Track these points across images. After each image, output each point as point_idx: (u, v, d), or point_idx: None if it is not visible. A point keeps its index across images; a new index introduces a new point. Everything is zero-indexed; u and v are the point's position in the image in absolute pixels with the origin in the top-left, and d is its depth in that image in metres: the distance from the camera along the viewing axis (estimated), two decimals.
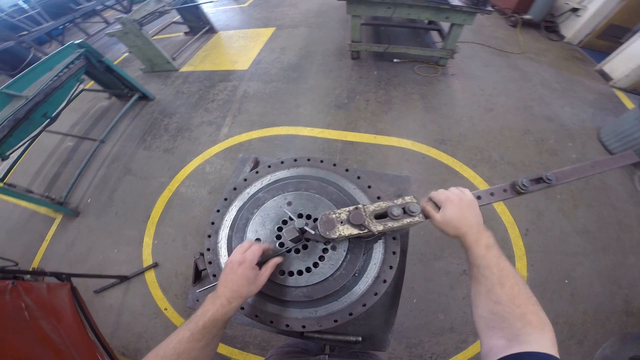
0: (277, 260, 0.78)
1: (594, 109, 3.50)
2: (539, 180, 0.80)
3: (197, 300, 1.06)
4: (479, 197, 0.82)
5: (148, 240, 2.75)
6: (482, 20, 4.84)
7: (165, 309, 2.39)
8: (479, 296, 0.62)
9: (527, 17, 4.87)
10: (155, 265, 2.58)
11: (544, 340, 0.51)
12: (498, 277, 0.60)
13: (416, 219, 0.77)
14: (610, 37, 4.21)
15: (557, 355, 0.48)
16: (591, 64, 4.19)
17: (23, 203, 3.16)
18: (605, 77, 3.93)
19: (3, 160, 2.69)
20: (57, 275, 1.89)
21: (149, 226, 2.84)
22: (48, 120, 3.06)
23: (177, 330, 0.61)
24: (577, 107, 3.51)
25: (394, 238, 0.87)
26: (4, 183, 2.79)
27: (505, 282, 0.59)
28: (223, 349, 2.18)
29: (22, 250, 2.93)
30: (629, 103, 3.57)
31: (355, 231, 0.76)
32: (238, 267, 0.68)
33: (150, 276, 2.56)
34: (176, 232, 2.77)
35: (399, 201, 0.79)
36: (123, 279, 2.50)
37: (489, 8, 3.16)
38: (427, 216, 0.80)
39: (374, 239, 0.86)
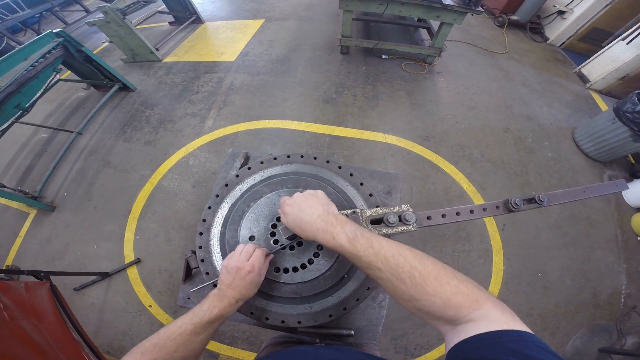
0: (270, 257, 0.81)
1: (570, 109, 3.65)
2: (531, 200, 0.81)
3: (189, 299, 1.05)
4: (471, 211, 0.80)
5: (129, 236, 2.66)
6: (470, 20, 4.92)
7: (150, 306, 2.33)
8: (394, 297, 0.55)
9: (514, 17, 4.98)
10: (137, 262, 2.51)
11: (488, 315, 0.44)
12: (390, 272, 0.52)
13: (410, 227, 0.77)
14: (591, 40, 4.38)
15: (511, 320, 0.43)
16: (571, 66, 4.35)
17: None
18: (583, 79, 4.09)
19: None
20: (35, 274, 1.79)
21: (130, 221, 2.74)
22: (21, 111, 2.89)
23: (177, 322, 0.62)
24: (555, 107, 3.65)
25: None
26: None
27: (401, 274, 0.51)
28: (212, 345, 2.15)
29: None
30: (603, 105, 3.74)
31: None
32: (247, 275, 0.70)
33: (133, 273, 2.48)
34: (159, 227, 2.69)
35: (396, 209, 0.79)
36: (104, 275, 2.41)
37: (480, 8, 3.21)
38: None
39: None
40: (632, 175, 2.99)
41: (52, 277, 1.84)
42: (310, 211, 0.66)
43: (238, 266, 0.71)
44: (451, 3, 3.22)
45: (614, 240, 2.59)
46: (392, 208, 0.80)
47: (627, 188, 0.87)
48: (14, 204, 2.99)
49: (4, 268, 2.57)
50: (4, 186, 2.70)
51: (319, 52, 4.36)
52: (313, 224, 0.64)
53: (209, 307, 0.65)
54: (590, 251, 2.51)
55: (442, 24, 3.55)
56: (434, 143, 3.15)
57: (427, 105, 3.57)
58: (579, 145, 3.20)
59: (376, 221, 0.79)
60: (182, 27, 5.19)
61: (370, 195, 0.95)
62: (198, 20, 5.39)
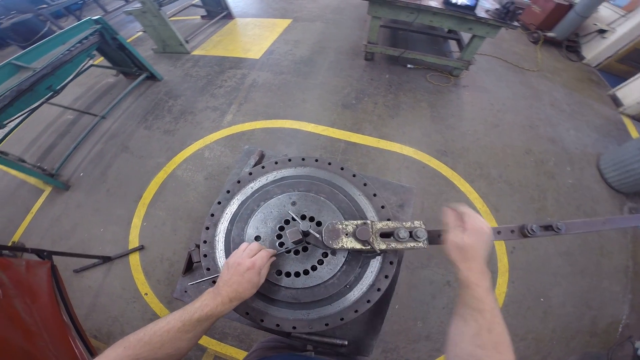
0: (273, 259, 0.79)
1: (598, 134, 3.45)
2: (548, 227, 0.78)
3: (186, 292, 1.03)
4: None
5: (137, 222, 2.70)
6: (502, 35, 4.74)
7: (146, 294, 2.34)
8: (462, 337, 0.58)
9: (550, 34, 4.79)
10: (141, 248, 2.53)
11: None
12: (489, 323, 0.57)
13: (420, 244, 0.75)
14: (631, 61, 4.14)
15: None
16: (605, 88, 4.13)
17: (13, 172, 3.08)
18: (617, 102, 3.86)
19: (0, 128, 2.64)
20: (38, 253, 1.83)
21: (139, 207, 2.78)
22: (52, 92, 3.01)
23: (166, 317, 0.60)
24: (582, 131, 3.46)
25: (391, 262, 0.85)
26: None
27: (494, 328, 0.56)
28: (201, 339, 2.13)
29: (4, 222, 2.87)
30: (634, 132, 3.51)
31: (358, 246, 0.76)
32: (246, 272, 0.68)
33: (135, 259, 2.50)
34: (167, 215, 2.72)
35: (408, 224, 0.78)
36: (106, 259, 2.44)
37: (515, 23, 3.09)
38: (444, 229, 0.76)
39: (372, 256, 0.84)
40: None
41: (54, 257, 1.87)
42: (486, 251, 0.67)
43: (238, 262, 0.69)
44: (486, 16, 3.11)
45: (624, 271, 2.47)
46: (404, 223, 0.78)
47: None
48: (31, 180, 3.10)
49: (10, 244, 2.64)
50: (24, 161, 2.82)
51: (343, 57, 4.33)
52: (480, 264, 0.65)
53: (200, 304, 0.63)
54: (597, 280, 2.42)
55: (473, 36, 3.45)
56: (451, 159, 3.04)
57: (448, 118, 3.46)
58: (603, 174, 3.01)
59: (386, 235, 0.78)
60: (213, 21, 5.33)
61: (383, 207, 0.92)
62: (229, 16, 5.50)
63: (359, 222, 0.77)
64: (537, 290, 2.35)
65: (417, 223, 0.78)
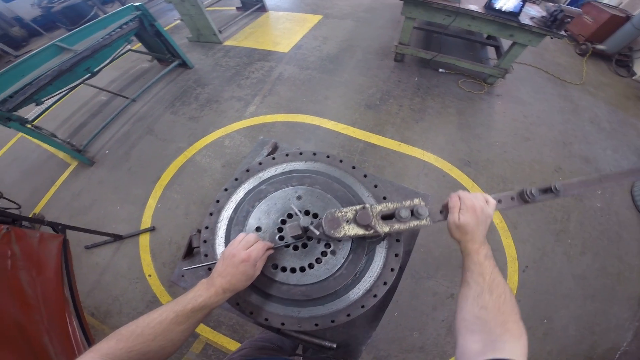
0: (270, 252, 0.78)
1: (637, 157, 3.15)
2: (547, 190, 0.79)
3: (183, 276, 1.03)
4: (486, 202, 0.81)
5: (152, 202, 2.77)
6: (547, 44, 4.47)
7: (150, 276, 2.38)
8: (466, 300, 0.62)
9: (600, 47, 4.45)
10: (152, 229, 2.60)
11: (517, 349, 0.53)
12: (489, 284, 0.62)
13: (423, 222, 0.75)
14: None
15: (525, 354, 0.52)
16: None
17: (45, 145, 3.24)
18: None
19: (37, 105, 2.79)
20: (54, 226, 1.89)
21: (156, 188, 2.86)
22: (89, 74, 3.17)
23: (159, 309, 0.60)
24: (620, 152, 3.18)
25: (397, 240, 0.85)
26: (32, 125, 2.88)
27: (494, 290, 0.60)
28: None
29: (29, 193, 3.03)
30: None
31: (361, 231, 0.74)
32: (241, 263, 0.67)
33: (145, 240, 2.57)
34: (182, 198, 2.78)
35: (407, 203, 0.77)
36: (117, 237, 2.52)
37: (563, 32, 2.88)
38: (445, 212, 0.79)
39: (377, 240, 0.83)
40: None
41: (68, 231, 1.94)
42: (485, 227, 0.74)
43: (233, 253, 0.69)
44: (530, 23, 2.92)
45: (638, 299, 2.29)
46: (404, 202, 0.77)
47: None
48: (60, 154, 3.28)
49: (31, 215, 2.77)
50: (55, 137, 2.98)
51: (371, 56, 4.24)
52: (480, 236, 0.71)
53: (194, 295, 0.63)
54: (608, 305, 2.27)
55: (514, 43, 3.24)
56: (474, 169, 2.89)
57: (477, 128, 3.28)
58: (635, 200, 2.76)
59: (387, 217, 0.77)
60: (247, 13, 5.42)
61: (384, 198, 0.91)
62: (263, 9, 5.57)
63: (358, 207, 0.76)
64: (543, 311, 2.24)
65: (416, 201, 0.77)
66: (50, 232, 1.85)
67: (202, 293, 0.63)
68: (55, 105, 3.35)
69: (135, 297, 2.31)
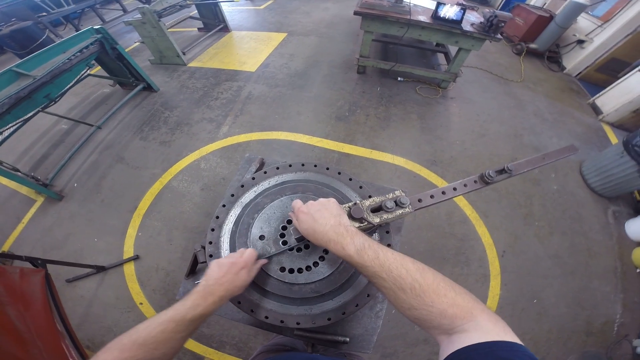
0: (263, 261, 0.83)
1: (580, 142, 3.63)
2: (502, 171, 0.93)
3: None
4: (454, 189, 0.90)
5: (132, 232, 2.70)
6: (488, 47, 4.94)
7: (141, 304, 2.32)
8: (394, 305, 0.58)
9: (532, 46, 5.03)
10: (136, 258, 2.53)
11: (481, 327, 0.47)
12: (392, 282, 0.56)
13: (407, 209, 0.83)
14: (609, 71, 4.36)
15: (503, 332, 0.46)
16: (585, 97, 4.35)
17: (4, 181, 3.05)
18: (597, 110, 4.06)
19: None
20: (32, 261, 1.82)
21: (134, 217, 2.79)
22: (49, 101, 3.02)
23: (156, 318, 0.60)
24: (565, 139, 3.63)
25: (387, 232, 0.93)
26: None
27: (403, 285, 0.55)
28: (198, 347, 2.13)
29: None
30: (614, 138, 3.70)
31: (356, 224, 0.80)
32: (240, 270, 0.72)
33: (130, 269, 2.50)
34: (163, 225, 2.74)
35: (391, 195, 0.86)
36: (100, 269, 2.43)
37: (499, 36, 3.24)
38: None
39: (370, 232, 0.91)
40: (637, 212, 2.92)
41: (48, 265, 1.86)
42: (323, 222, 0.68)
43: (232, 261, 0.73)
44: (471, 29, 3.27)
45: (613, 272, 2.57)
46: (387, 195, 0.87)
47: (577, 151, 1.02)
48: (24, 190, 3.06)
49: (1, 252, 2.57)
50: (17, 170, 2.78)
51: (336, 70, 4.46)
52: (325, 234, 0.66)
53: (192, 304, 0.64)
54: (587, 281, 2.51)
55: (460, 49, 3.61)
56: (440, 168, 3.16)
57: (437, 129, 3.58)
58: (586, 179, 3.15)
59: (376, 209, 0.84)
60: (209, 34, 5.43)
61: (361, 187, 1.03)
62: (225, 29, 5.63)
63: (350, 204, 0.83)
64: (530, 292, 2.42)
65: (397, 193, 0.87)
66: (29, 267, 1.78)
67: (200, 302, 0.64)
68: (12, 135, 3.13)
69: (130, 326, 2.18)
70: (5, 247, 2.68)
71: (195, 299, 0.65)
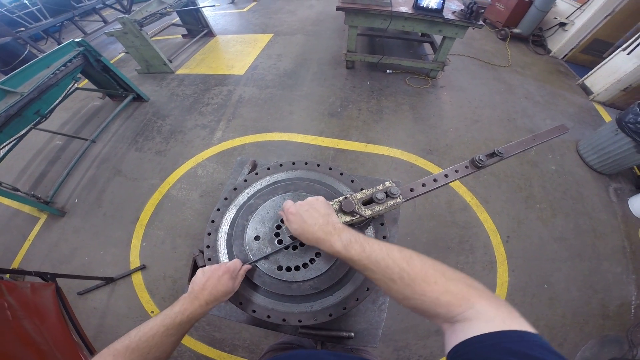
0: (247, 267, 0.84)
1: (574, 122, 3.67)
2: (492, 154, 0.91)
3: None
4: (446, 175, 0.89)
5: (136, 242, 2.72)
6: (472, 34, 5.02)
7: (152, 312, 2.36)
8: (390, 296, 0.58)
9: (516, 31, 5.06)
10: (142, 268, 2.56)
11: (482, 314, 0.45)
12: (382, 273, 0.56)
13: (398, 200, 0.83)
14: (593, 51, 4.42)
15: (509, 318, 0.43)
16: (574, 78, 4.40)
17: (6, 201, 3.07)
18: (586, 91, 4.12)
19: None
20: (42, 275, 1.85)
21: (137, 228, 2.81)
22: (40, 118, 3.00)
23: (147, 324, 0.63)
24: (558, 120, 3.68)
25: (381, 223, 0.92)
26: None
27: (392, 275, 0.55)
28: (211, 352, 2.17)
29: (1, 250, 2.83)
30: (607, 117, 3.76)
31: (348, 218, 0.81)
32: (222, 275, 0.75)
33: (138, 278, 2.53)
34: (166, 234, 2.76)
35: (381, 187, 0.86)
36: (109, 280, 2.46)
37: (480, 22, 3.28)
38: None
39: (364, 225, 0.91)
40: (638, 187, 2.95)
41: (58, 279, 1.89)
42: (312, 222, 0.70)
43: (214, 268, 0.77)
44: (452, 17, 3.28)
45: (622, 252, 2.54)
46: (377, 187, 0.87)
47: (568, 130, 0.96)
48: (26, 208, 3.08)
49: (11, 268, 2.59)
50: (17, 190, 2.79)
51: (325, 67, 4.48)
52: (314, 234, 0.69)
53: (180, 309, 0.67)
54: (597, 263, 2.46)
55: (444, 38, 3.64)
56: (437, 156, 3.20)
57: (430, 118, 3.63)
58: (583, 158, 3.19)
59: (367, 202, 0.85)
60: (194, 40, 5.39)
61: (353, 181, 1.03)
62: (210, 34, 5.60)
63: (341, 198, 0.84)
64: (539, 277, 2.39)
65: (387, 184, 0.87)
66: (40, 282, 1.80)
67: (187, 307, 0.68)
68: (8, 155, 3.13)
69: None
70: (15, 264, 2.71)
71: (183, 304, 0.69)
